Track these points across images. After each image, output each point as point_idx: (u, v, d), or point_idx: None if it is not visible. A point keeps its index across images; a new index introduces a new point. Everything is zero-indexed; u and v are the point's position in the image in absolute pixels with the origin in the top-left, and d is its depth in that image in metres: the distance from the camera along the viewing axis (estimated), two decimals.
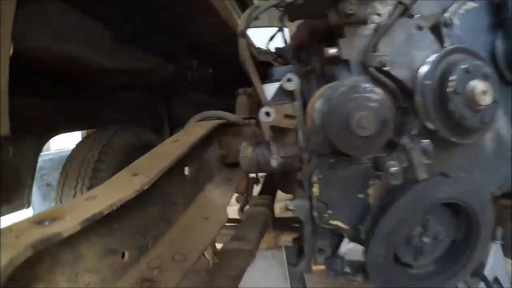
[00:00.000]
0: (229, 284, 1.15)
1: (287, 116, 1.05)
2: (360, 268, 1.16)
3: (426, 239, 1.01)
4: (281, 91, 1.07)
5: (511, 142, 1.08)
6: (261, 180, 2.17)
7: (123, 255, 0.83)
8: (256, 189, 2.13)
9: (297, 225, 1.80)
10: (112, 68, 1.87)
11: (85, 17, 1.41)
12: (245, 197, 1.91)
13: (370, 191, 1.03)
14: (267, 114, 1.05)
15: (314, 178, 1.04)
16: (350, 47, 1.05)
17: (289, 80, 1.06)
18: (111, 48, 1.64)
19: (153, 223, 0.98)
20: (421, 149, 0.92)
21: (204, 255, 1.23)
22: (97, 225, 0.72)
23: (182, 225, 1.09)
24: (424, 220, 1.01)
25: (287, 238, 1.80)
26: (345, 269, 1.18)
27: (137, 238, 0.90)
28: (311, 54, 1.31)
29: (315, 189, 1.04)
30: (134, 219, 0.90)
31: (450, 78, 0.93)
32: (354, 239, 1.08)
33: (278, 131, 1.09)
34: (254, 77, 1.31)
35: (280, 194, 2.10)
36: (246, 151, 1.15)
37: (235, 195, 1.98)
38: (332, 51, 1.08)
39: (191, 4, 1.38)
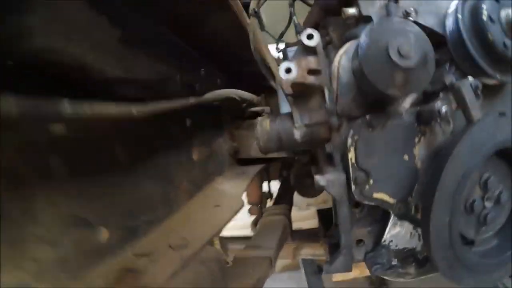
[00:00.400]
0: None
1: (311, 72, 0.89)
2: (410, 257, 0.92)
3: (488, 203, 0.80)
4: (302, 48, 0.93)
5: None
6: (274, 194, 1.95)
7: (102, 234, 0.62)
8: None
9: (318, 237, 1.54)
10: (119, 77, 1.75)
11: (91, 11, 1.31)
12: (259, 208, 1.68)
13: (416, 150, 0.83)
14: (288, 70, 0.88)
15: (349, 141, 0.85)
16: (369, 3, 0.93)
17: (309, 36, 0.92)
18: (119, 51, 1.52)
19: (149, 204, 0.78)
20: (471, 85, 0.75)
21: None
22: (65, 176, 0.52)
23: (185, 213, 0.88)
24: (483, 178, 0.80)
25: (307, 251, 1.53)
26: (392, 262, 0.93)
27: (124, 216, 0.69)
28: (327, 28, 1.18)
29: (351, 155, 0.84)
30: (122, 190, 0.70)
31: (482, 5, 0.80)
32: (404, 216, 0.86)
33: (301, 93, 0.92)
34: (268, 56, 1.17)
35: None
36: (264, 124, 0.97)
37: (247, 206, 1.75)
38: (352, 10, 0.96)
39: None
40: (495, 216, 0.81)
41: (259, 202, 1.69)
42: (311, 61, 0.90)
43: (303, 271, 1.84)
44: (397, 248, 0.92)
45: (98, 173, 0.63)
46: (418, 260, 0.92)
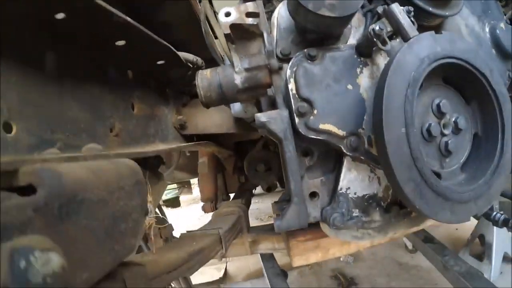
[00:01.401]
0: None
1: (249, 14, 0.84)
2: (373, 203, 0.82)
3: (446, 130, 0.74)
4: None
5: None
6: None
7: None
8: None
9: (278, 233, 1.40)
10: None
11: None
12: (212, 205, 1.52)
13: (360, 80, 0.78)
14: (227, 14, 0.83)
15: (289, 72, 0.78)
16: None
17: None
18: None
19: (71, 125, 0.65)
20: (405, 10, 0.73)
21: None
22: None
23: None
24: (435, 103, 0.75)
25: (266, 245, 1.38)
26: (353, 212, 0.83)
27: (42, 124, 0.57)
28: None
29: (292, 85, 0.77)
30: (46, 96, 0.58)
31: None
32: (357, 150, 0.77)
33: (241, 38, 0.86)
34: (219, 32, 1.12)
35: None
36: (204, 73, 0.90)
37: (200, 204, 1.58)
38: None
39: None
40: (457, 145, 0.75)
41: (213, 199, 1.54)
42: (250, 6, 0.86)
43: (266, 278, 1.65)
44: (356, 196, 0.83)
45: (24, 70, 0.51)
46: (382, 206, 0.83)
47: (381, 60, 0.80)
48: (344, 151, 0.78)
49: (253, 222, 1.86)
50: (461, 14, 0.93)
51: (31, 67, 0.57)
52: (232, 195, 1.80)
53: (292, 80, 0.78)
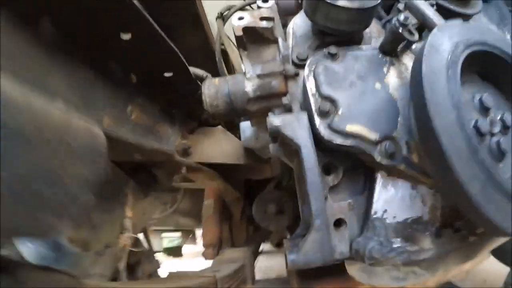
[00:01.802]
0: None
1: (264, 18, 0.76)
2: (419, 229, 0.62)
3: (495, 128, 0.58)
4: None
5: None
6: None
7: None
8: None
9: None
10: None
11: None
12: (214, 251, 1.28)
13: (388, 80, 0.65)
14: (240, 18, 0.76)
15: (307, 70, 0.67)
16: None
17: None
18: None
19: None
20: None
21: None
22: None
23: None
24: (476, 99, 0.60)
25: None
26: (393, 242, 0.62)
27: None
28: None
29: (311, 84, 0.65)
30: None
31: None
32: (394, 159, 0.61)
33: (254, 42, 0.78)
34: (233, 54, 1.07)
35: None
36: (212, 80, 0.79)
37: (202, 249, 1.34)
38: None
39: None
40: (508, 144, 0.58)
41: (216, 244, 1.31)
42: (264, 12, 0.79)
43: None
44: (395, 220, 0.63)
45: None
46: (431, 230, 0.62)
47: (408, 60, 0.68)
48: (378, 160, 0.61)
49: (259, 278, 1.56)
50: (480, 21, 0.83)
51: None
52: None
53: (311, 78, 0.66)
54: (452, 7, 0.72)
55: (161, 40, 0.73)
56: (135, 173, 0.84)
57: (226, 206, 1.50)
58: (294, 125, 0.62)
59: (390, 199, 0.63)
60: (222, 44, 1.14)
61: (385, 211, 0.63)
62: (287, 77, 0.75)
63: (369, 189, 0.66)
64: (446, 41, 0.57)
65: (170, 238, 4.07)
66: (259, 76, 0.76)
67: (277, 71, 0.75)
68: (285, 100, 0.75)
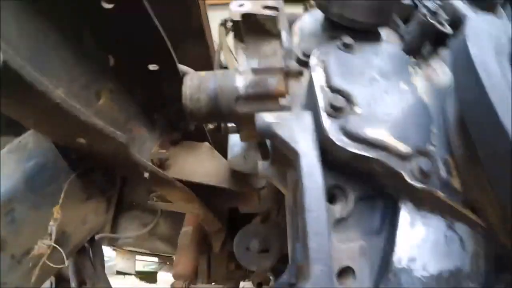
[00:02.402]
0: None
1: (268, 8, 0.61)
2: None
3: None
4: None
5: None
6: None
7: None
8: None
9: None
10: None
11: None
12: (185, 285, 1.01)
13: (415, 80, 0.48)
14: (241, 5, 0.61)
15: (314, 61, 0.49)
16: None
17: None
18: None
19: None
20: None
21: None
22: None
23: None
24: None
25: None
26: None
27: None
28: None
29: (318, 75, 0.47)
30: None
31: None
32: (430, 182, 0.41)
33: (252, 32, 0.62)
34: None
35: None
36: (198, 73, 0.62)
37: (170, 279, 1.07)
38: None
39: None
40: None
41: (187, 277, 1.04)
42: (269, 2, 0.64)
43: None
44: (426, 273, 0.41)
45: None
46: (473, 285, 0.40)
47: (437, 64, 0.51)
48: (409, 181, 0.41)
49: None
50: None
51: None
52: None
53: (319, 69, 0.48)
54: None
55: (150, 22, 0.58)
56: (81, 167, 0.62)
57: (206, 237, 1.26)
58: (292, 125, 0.44)
59: (420, 243, 0.42)
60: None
61: (413, 259, 0.42)
62: (288, 75, 0.58)
63: (390, 227, 0.46)
64: (487, 31, 0.41)
65: (146, 263, 3.66)
66: (254, 71, 0.59)
67: (277, 68, 0.59)
68: (283, 102, 0.57)
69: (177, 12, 1.22)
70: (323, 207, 0.37)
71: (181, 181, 0.88)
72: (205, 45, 1.28)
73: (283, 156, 0.50)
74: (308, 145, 0.41)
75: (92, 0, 0.52)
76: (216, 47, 1.10)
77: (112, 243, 1.69)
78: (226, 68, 1.08)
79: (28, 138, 0.57)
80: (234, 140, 0.86)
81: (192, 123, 0.93)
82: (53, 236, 0.49)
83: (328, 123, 0.43)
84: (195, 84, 0.59)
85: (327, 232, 0.36)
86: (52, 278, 1.09)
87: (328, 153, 0.43)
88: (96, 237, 1.00)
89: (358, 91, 0.45)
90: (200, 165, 0.92)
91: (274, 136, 0.44)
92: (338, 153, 0.43)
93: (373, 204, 0.50)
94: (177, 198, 0.96)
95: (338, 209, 0.48)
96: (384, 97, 0.45)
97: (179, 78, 0.73)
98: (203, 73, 0.62)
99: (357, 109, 0.43)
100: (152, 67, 0.71)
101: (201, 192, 0.97)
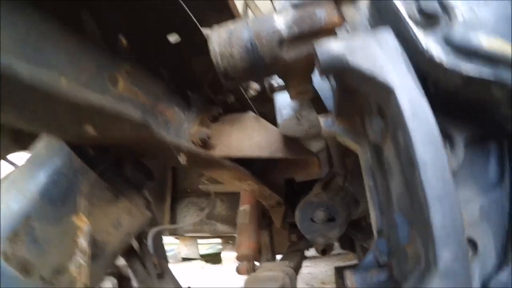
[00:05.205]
0: None
1: None
2: None
3: None
4: None
5: None
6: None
7: None
8: None
9: None
10: None
11: None
12: (250, 266, 0.97)
13: None
14: None
15: None
16: None
17: None
18: None
19: None
20: None
21: None
22: None
23: None
24: None
25: None
26: None
27: None
28: None
29: None
30: None
31: None
32: None
33: None
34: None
35: None
36: (225, 25, 0.50)
37: (236, 263, 1.03)
38: None
39: None
40: None
41: (252, 258, 0.99)
42: None
43: None
44: None
45: None
46: None
47: None
48: None
49: None
50: None
51: None
52: (279, 257, 1.22)
53: None
54: None
55: None
56: (101, 164, 0.54)
57: (265, 212, 1.19)
58: (373, 50, 0.30)
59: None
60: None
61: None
62: (340, 2, 0.43)
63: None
64: None
65: (210, 245, 3.82)
66: (295, 5, 0.45)
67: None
68: (343, 32, 0.43)
69: None
70: (443, 157, 0.24)
71: (230, 158, 0.79)
72: (230, 13, 1.14)
73: (356, 101, 0.36)
74: (404, 74, 0.27)
75: None
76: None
77: (173, 232, 1.72)
78: None
79: (38, 146, 0.51)
80: (282, 101, 0.73)
81: (230, 91, 0.83)
82: (87, 249, 0.42)
83: (422, 37, 0.28)
84: (224, 38, 0.47)
85: (455, 196, 0.23)
86: (114, 280, 1.11)
87: (428, 83, 0.29)
88: (153, 230, 0.97)
89: None
90: (248, 137, 0.82)
91: (348, 71, 0.31)
92: (446, 80, 0.28)
93: (484, 148, 0.35)
94: (228, 178, 0.88)
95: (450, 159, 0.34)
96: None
97: (206, 46, 0.62)
98: (231, 24, 0.50)
99: (458, 15, 0.28)
100: (172, 38, 0.61)
101: (253, 167, 0.88)
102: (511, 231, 0.32)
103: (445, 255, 0.22)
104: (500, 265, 0.32)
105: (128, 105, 0.46)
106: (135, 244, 0.86)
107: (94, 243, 0.45)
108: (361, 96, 0.35)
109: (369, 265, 0.40)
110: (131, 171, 0.58)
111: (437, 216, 0.22)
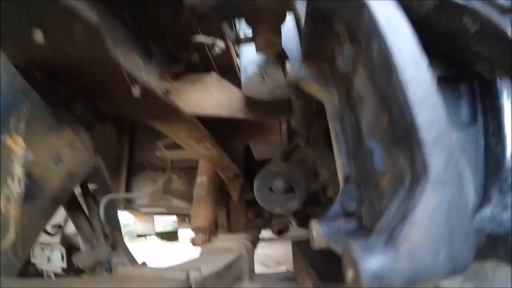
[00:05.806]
0: None
1: None
2: None
3: None
4: None
5: None
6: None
7: None
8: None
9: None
10: None
11: None
12: (205, 238, 0.93)
13: None
14: None
15: None
16: None
17: None
18: None
19: None
20: None
21: None
22: None
23: None
24: None
25: None
26: None
27: None
28: None
29: None
30: None
31: None
32: None
33: None
34: None
35: None
36: None
37: (191, 234, 0.99)
38: None
39: None
40: None
41: (207, 230, 0.96)
42: None
43: None
44: None
45: None
46: None
47: None
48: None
49: (257, 269, 1.22)
50: None
51: None
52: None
53: None
54: None
55: None
56: (46, 85, 0.46)
57: (222, 188, 1.16)
58: None
59: None
60: None
61: None
62: None
63: (488, 115, 0.32)
64: None
65: (166, 222, 3.70)
66: None
67: None
68: None
69: None
70: (422, 58, 0.22)
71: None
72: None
73: (326, 41, 0.34)
74: None
75: None
76: None
77: (128, 206, 1.62)
78: None
79: None
80: (248, 58, 0.70)
81: (194, 48, 0.77)
82: (17, 177, 0.33)
83: None
84: None
85: (438, 96, 0.22)
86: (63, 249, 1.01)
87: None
88: (106, 197, 0.88)
89: None
90: (209, 96, 0.78)
91: None
92: (418, 4, 0.27)
93: (455, 90, 0.35)
94: (185, 137, 0.83)
95: None
96: None
97: (177, 2, 0.55)
98: None
99: None
100: None
101: (212, 128, 0.83)
102: (488, 169, 0.33)
103: (435, 159, 0.20)
104: (481, 202, 0.33)
105: (84, 4, 0.38)
106: (83, 204, 0.77)
107: (31, 178, 0.37)
108: (331, 30, 0.33)
109: (336, 214, 0.38)
110: (82, 110, 0.50)
111: (422, 118, 0.21)
